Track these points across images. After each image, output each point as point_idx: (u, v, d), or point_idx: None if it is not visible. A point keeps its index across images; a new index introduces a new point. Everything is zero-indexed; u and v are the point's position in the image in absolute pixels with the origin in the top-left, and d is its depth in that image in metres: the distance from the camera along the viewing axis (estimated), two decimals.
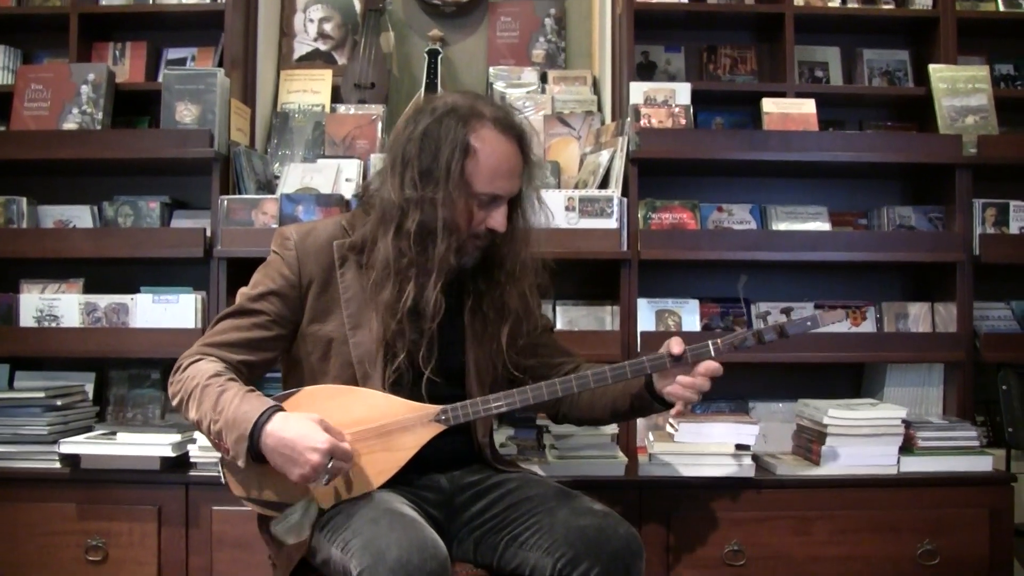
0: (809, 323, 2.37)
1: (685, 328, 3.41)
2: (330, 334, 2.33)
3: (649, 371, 2.34)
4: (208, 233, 3.32)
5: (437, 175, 2.23)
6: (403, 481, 2.27)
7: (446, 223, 2.23)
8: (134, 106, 3.76)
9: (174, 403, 2.27)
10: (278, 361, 2.43)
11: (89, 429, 3.21)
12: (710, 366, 2.33)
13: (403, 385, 2.29)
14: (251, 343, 2.31)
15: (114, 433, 3.07)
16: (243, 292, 2.37)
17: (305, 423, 2.09)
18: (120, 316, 3.36)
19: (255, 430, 2.09)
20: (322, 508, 2.20)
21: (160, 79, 3.62)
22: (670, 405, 2.40)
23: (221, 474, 2.29)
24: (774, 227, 3.53)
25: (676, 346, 2.33)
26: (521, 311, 2.44)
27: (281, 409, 2.14)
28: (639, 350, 3.23)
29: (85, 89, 3.55)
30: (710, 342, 2.33)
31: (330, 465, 2.06)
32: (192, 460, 3.04)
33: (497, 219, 2.29)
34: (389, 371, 2.28)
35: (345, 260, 2.35)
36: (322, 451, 2.05)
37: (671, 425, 3.08)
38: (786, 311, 2.35)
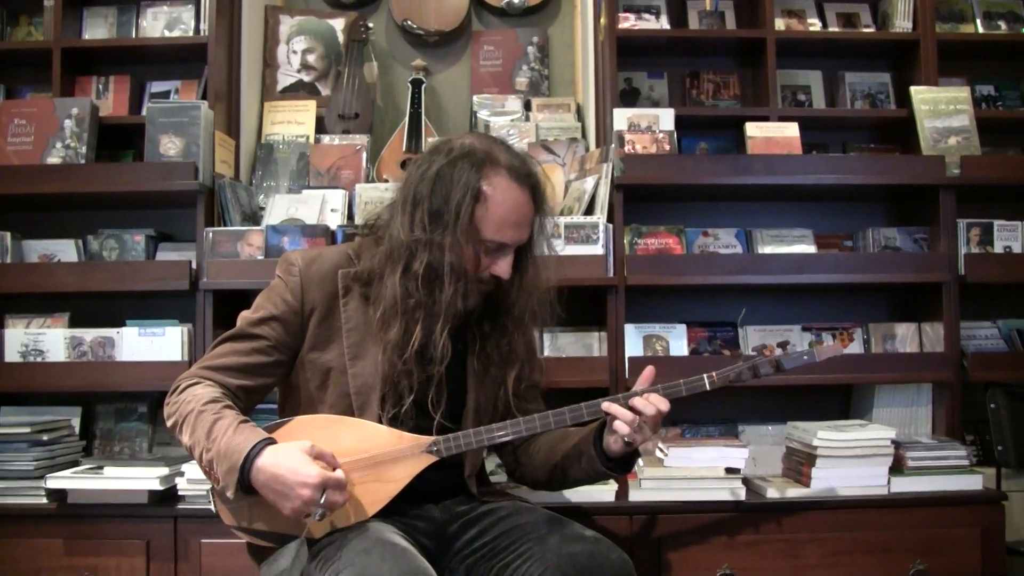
0: (806, 357, 2.39)
1: (673, 353, 3.41)
2: (329, 363, 2.34)
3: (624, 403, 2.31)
4: (194, 265, 3.31)
5: (446, 218, 2.23)
6: (395, 511, 2.27)
7: (453, 268, 2.24)
8: (118, 140, 3.78)
9: (168, 424, 2.27)
10: (275, 387, 2.44)
11: (76, 464, 3.19)
12: (654, 398, 2.28)
13: (401, 421, 2.29)
14: (250, 368, 2.32)
15: (101, 467, 3.06)
16: (244, 316, 2.37)
17: (296, 456, 2.08)
18: (106, 350, 3.35)
19: (246, 463, 2.08)
20: (313, 538, 2.19)
21: (144, 112, 3.62)
22: (616, 466, 2.37)
23: (212, 503, 2.29)
24: (760, 251, 3.54)
25: (645, 380, 2.32)
26: (527, 359, 2.46)
27: (273, 442, 2.13)
28: (627, 376, 3.23)
29: (68, 123, 3.55)
30: (705, 376, 2.32)
31: (323, 500, 2.05)
32: (180, 493, 3.02)
33: (502, 267, 2.30)
34: (388, 406, 2.28)
35: (349, 290, 2.36)
36: (313, 485, 2.04)
37: (660, 450, 3.08)
38: (782, 344, 2.36)
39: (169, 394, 2.30)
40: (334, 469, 2.12)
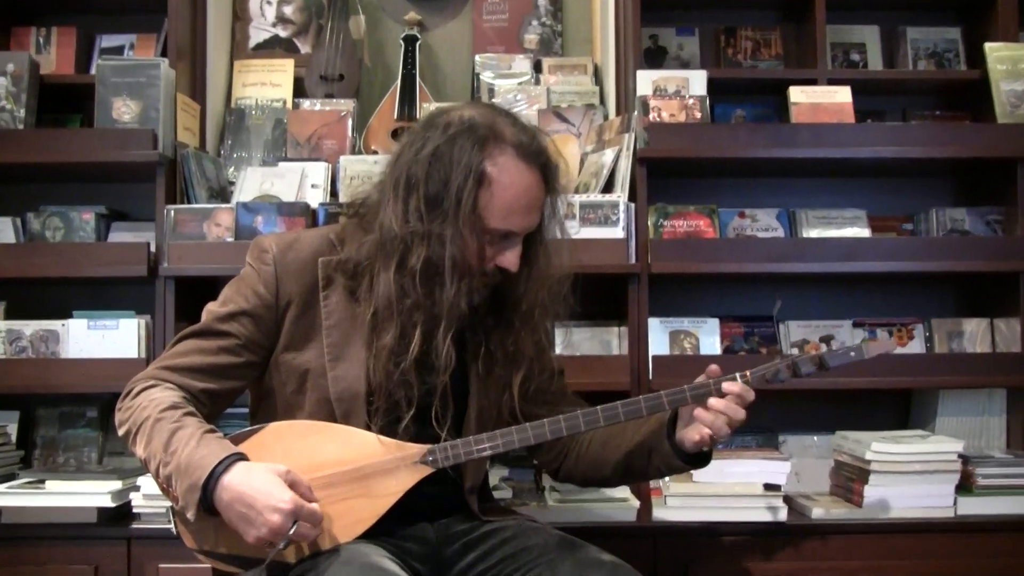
0: (853, 354, 2.37)
1: (703, 352, 3.42)
2: (306, 364, 2.33)
3: (668, 407, 2.32)
4: (152, 248, 3.31)
5: (446, 206, 2.22)
6: (383, 531, 2.26)
7: (455, 263, 2.23)
8: (63, 102, 3.76)
9: (120, 433, 2.27)
10: (245, 390, 2.44)
11: (12, 477, 3.17)
12: (739, 389, 2.30)
13: (398, 434, 2.28)
14: (216, 369, 2.31)
15: (42, 481, 3.06)
16: (210, 309, 2.37)
17: (269, 478, 2.08)
18: (49, 345, 3.35)
19: (210, 480, 2.07)
20: (288, 563, 2.18)
21: (93, 71, 3.60)
22: (694, 460, 2.39)
23: (172, 523, 2.29)
24: (805, 234, 3.55)
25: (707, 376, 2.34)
26: (535, 358, 2.45)
27: (243, 458, 2.13)
28: (651, 377, 3.24)
29: (3, 82, 3.54)
30: (738, 375, 2.33)
31: (292, 531, 2.05)
32: (135, 511, 3.02)
33: (509, 258, 2.29)
34: (379, 417, 2.29)
35: (331, 281, 2.36)
36: (284, 512, 2.03)
37: None
38: (826, 339, 2.36)
39: (121, 398, 2.30)
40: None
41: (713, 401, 2.28)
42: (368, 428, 2.28)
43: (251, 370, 2.37)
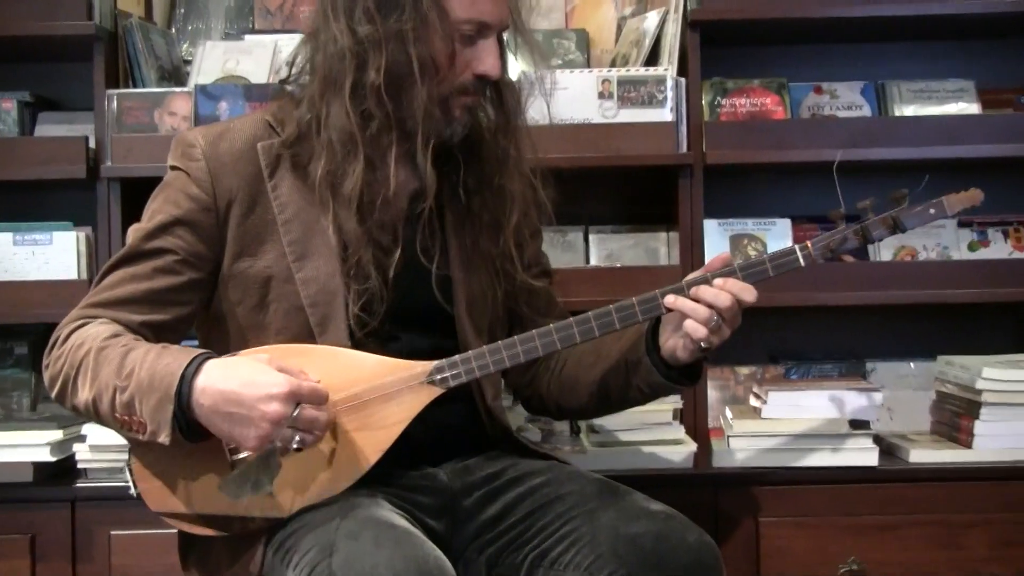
0: (933, 210, 2.40)
1: None
2: (266, 271, 2.35)
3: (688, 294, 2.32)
4: (92, 143, 3.33)
5: (401, 1, 2.24)
6: (381, 480, 2.29)
7: (423, 62, 2.26)
8: None
9: (54, 391, 2.27)
10: (194, 319, 2.44)
11: None
12: (731, 283, 2.30)
13: (374, 335, 2.32)
14: (155, 296, 2.31)
15: None
16: (136, 229, 2.37)
17: (252, 365, 2.11)
18: None
19: (183, 386, 2.09)
20: (279, 518, 2.20)
21: None
22: (683, 374, 2.41)
23: (130, 480, 2.29)
24: (897, 112, 3.56)
25: (719, 262, 2.36)
26: (524, 206, 2.48)
27: (214, 357, 2.15)
28: None
29: None
30: (797, 246, 2.35)
31: (296, 413, 2.07)
32: (80, 466, 3.05)
33: (488, 61, 2.32)
34: (354, 311, 2.30)
35: (276, 166, 2.37)
36: (281, 396, 2.05)
37: (756, 396, 3.11)
38: (898, 197, 2.35)
39: (48, 351, 2.30)
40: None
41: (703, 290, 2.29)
42: (351, 337, 2.31)
43: (196, 291, 2.37)
